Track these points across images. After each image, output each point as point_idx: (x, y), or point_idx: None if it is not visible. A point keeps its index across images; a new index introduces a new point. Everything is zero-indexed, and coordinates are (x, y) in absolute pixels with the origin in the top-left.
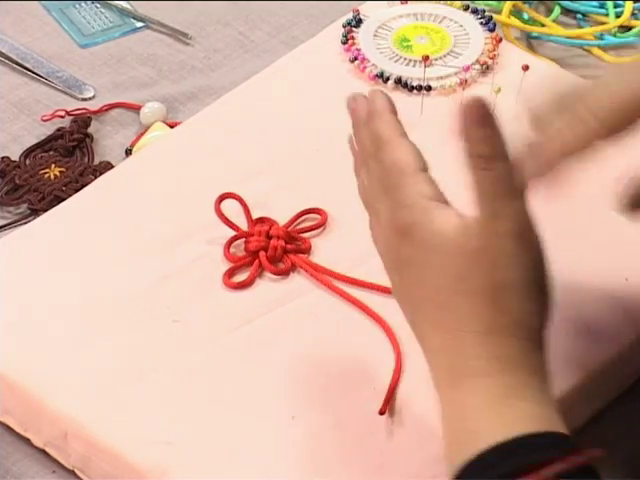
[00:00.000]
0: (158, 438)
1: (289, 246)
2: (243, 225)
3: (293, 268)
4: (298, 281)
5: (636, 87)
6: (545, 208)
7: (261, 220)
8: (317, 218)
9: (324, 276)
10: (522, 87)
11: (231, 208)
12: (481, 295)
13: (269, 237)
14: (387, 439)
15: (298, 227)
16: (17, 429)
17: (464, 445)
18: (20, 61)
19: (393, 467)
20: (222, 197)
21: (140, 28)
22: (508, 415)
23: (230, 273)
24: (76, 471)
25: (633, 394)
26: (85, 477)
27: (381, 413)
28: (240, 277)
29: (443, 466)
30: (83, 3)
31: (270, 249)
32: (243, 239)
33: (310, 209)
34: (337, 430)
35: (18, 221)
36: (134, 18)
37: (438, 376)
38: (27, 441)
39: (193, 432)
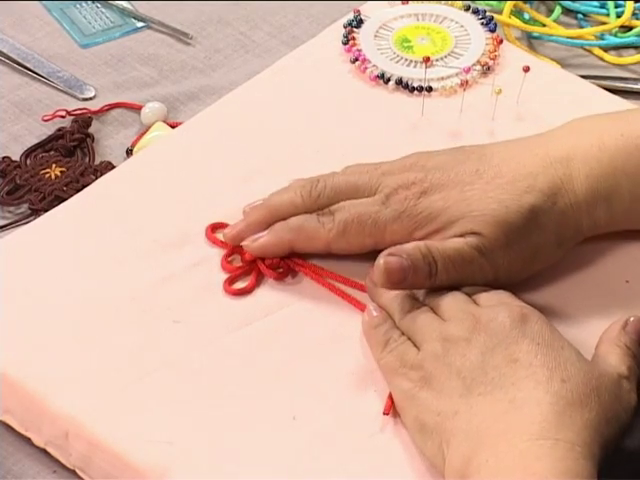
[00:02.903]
0: (159, 438)
1: None
2: None
3: (293, 272)
4: (298, 283)
5: None
6: None
7: None
8: None
9: (324, 278)
10: (523, 88)
11: (227, 214)
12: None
13: None
14: (387, 439)
15: None
16: (18, 429)
17: None
18: (21, 61)
19: (393, 467)
20: (213, 227)
21: (141, 28)
22: None
23: (230, 281)
24: (77, 471)
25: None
26: (86, 477)
27: (385, 413)
28: (240, 284)
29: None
30: (84, 3)
31: (267, 258)
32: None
33: None
34: (338, 431)
35: (19, 221)
36: (135, 18)
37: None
38: (28, 441)
39: (194, 432)
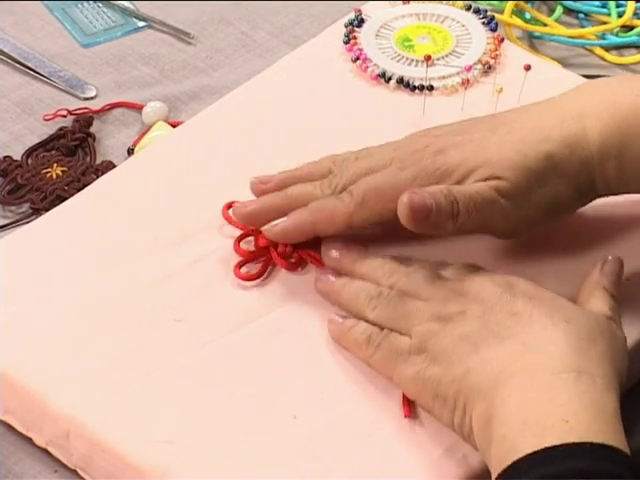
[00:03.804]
0: (160, 437)
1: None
2: None
3: (303, 264)
4: (303, 279)
5: None
6: None
7: None
8: None
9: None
10: (524, 87)
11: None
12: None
13: None
14: (388, 439)
15: None
16: (19, 428)
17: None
18: (22, 60)
19: (394, 467)
20: (229, 205)
21: (142, 28)
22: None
23: (240, 266)
24: (78, 470)
25: (633, 397)
26: (87, 476)
27: (406, 416)
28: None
29: (443, 466)
30: (85, 3)
31: (280, 245)
32: (251, 237)
33: None
34: (338, 430)
35: (20, 220)
36: (136, 18)
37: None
38: (29, 440)
39: (195, 431)
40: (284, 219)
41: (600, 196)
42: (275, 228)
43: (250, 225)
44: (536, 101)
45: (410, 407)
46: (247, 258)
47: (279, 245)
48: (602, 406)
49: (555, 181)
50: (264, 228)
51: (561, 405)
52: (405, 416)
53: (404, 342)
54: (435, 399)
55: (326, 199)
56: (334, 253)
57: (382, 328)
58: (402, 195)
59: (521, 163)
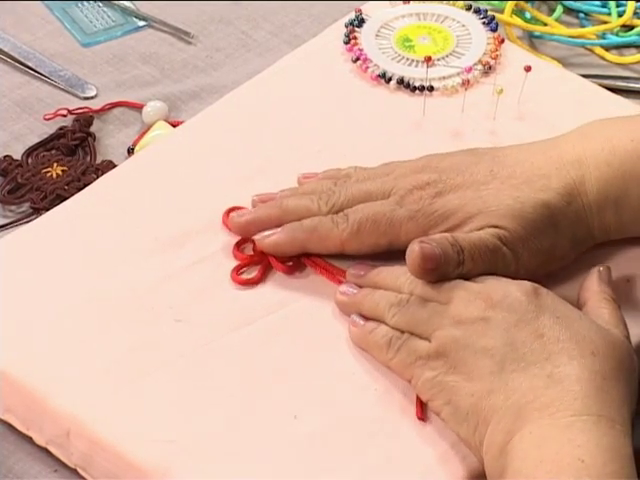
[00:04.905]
0: (160, 437)
1: None
2: None
3: (301, 267)
4: (304, 279)
5: None
6: None
7: None
8: None
9: (332, 275)
10: (524, 87)
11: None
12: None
13: None
14: (388, 439)
15: None
16: (19, 427)
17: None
18: (22, 60)
19: (394, 467)
20: (229, 210)
21: (142, 27)
22: None
23: (238, 270)
24: (78, 470)
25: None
26: (87, 476)
27: (420, 418)
28: (247, 275)
29: (444, 466)
30: (85, 2)
31: None
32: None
33: None
34: (339, 430)
35: (20, 220)
36: (136, 17)
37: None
38: (29, 439)
39: (195, 431)
40: (277, 230)
41: (597, 243)
42: (267, 240)
43: (245, 235)
44: (533, 141)
45: (423, 409)
46: (245, 262)
47: None
48: (618, 450)
49: (552, 230)
50: (256, 237)
51: (579, 446)
52: (418, 418)
53: (423, 346)
54: (447, 405)
55: (321, 220)
56: (358, 271)
57: (403, 332)
58: (412, 244)
59: (518, 212)
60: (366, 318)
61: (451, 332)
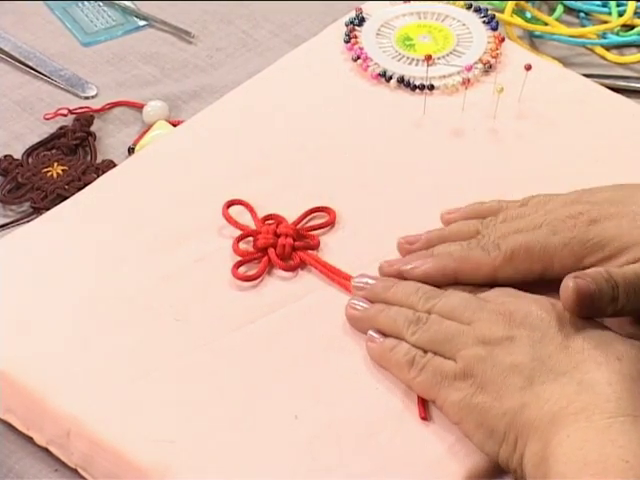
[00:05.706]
0: (161, 437)
1: (297, 243)
2: (250, 225)
3: (302, 265)
4: (303, 280)
5: None
6: None
7: (269, 217)
8: (324, 216)
9: (333, 274)
10: (525, 86)
11: (237, 208)
12: None
13: (277, 235)
14: (387, 439)
15: (306, 225)
16: (19, 427)
17: None
18: (23, 59)
19: (394, 468)
20: (229, 203)
21: (143, 27)
22: None
23: (238, 266)
24: (79, 470)
25: None
26: (88, 476)
27: (423, 418)
28: (248, 273)
29: (444, 467)
30: (86, 2)
31: (279, 247)
32: (251, 237)
33: (317, 207)
34: (340, 430)
35: (20, 219)
36: (137, 17)
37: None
38: (29, 439)
39: (196, 431)
40: (427, 261)
41: None
42: (417, 270)
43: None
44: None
45: (425, 409)
46: (246, 258)
47: (278, 246)
48: None
49: None
50: (405, 268)
51: (620, 447)
52: (421, 418)
53: (449, 366)
54: (479, 427)
55: (471, 248)
56: (366, 280)
57: (425, 351)
58: (566, 279)
59: None
60: (383, 334)
61: (477, 352)
